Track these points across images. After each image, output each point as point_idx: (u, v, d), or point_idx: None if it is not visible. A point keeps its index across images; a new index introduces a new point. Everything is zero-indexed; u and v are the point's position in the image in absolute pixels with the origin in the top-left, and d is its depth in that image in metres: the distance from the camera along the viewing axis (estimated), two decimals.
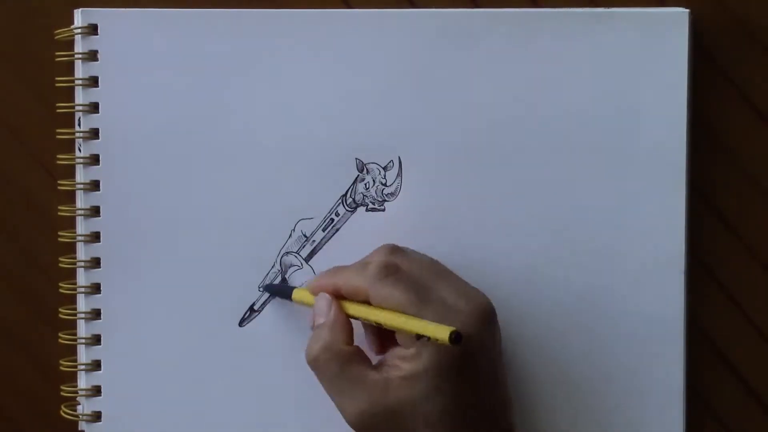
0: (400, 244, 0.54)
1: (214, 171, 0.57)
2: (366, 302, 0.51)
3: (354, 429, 0.50)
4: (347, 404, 0.50)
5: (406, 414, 0.48)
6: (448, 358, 0.48)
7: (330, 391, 0.51)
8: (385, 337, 0.52)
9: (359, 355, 0.51)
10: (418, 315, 0.48)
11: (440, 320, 0.47)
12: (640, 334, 0.57)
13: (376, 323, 0.50)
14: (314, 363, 0.51)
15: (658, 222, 0.56)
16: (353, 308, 0.51)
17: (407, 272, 0.50)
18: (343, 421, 0.55)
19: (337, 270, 0.53)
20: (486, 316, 0.50)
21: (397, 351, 0.50)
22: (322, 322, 0.51)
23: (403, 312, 0.48)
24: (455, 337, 0.44)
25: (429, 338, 0.46)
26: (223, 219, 0.57)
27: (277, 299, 0.57)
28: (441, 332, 0.45)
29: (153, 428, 0.57)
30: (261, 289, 0.57)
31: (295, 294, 0.55)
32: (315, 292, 0.53)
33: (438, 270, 0.52)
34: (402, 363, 0.49)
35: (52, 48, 0.57)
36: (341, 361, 0.50)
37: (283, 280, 0.57)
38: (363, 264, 0.52)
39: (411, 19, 0.57)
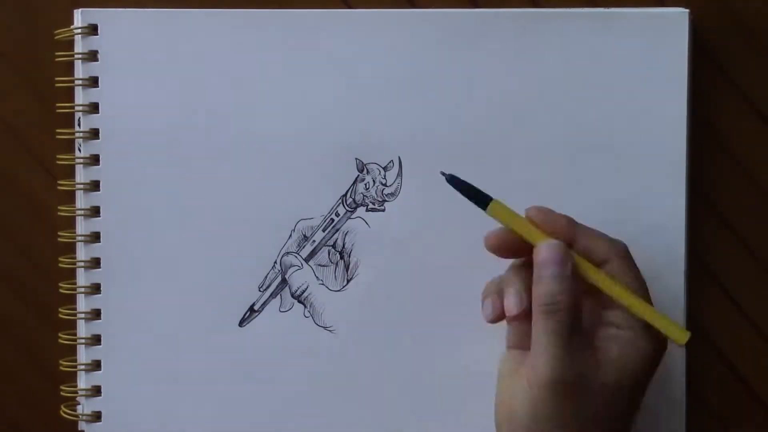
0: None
1: (214, 171, 0.57)
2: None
3: (544, 386, 0.47)
4: (560, 365, 0.47)
5: (600, 394, 0.48)
6: (657, 356, 0.49)
7: (548, 344, 0.48)
8: (589, 306, 0.50)
9: (581, 323, 0.49)
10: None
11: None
12: None
13: (615, 296, 0.49)
14: (554, 304, 0.48)
15: (658, 222, 0.56)
16: (592, 270, 0.50)
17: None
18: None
19: (576, 223, 0.51)
20: None
21: (608, 330, 0.49)
22: (553, 271, 0.49)
23: (641, 294, 0.49)
24: (687, 341, 0.48)
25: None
26: (223, 219, 0.57)
27: (278, 300, 0.57)
28: (680, 335, 0.48)
29: (153, 428, 0.57)
30: (446, 176, 0.51)
31: (495, 208, 0.51)
32: (544, 226, 0.50)
33: None
34: (613, 345, 0.49)
35: (52, 48, 0.57)
36: (578, 318, 0.48)
37: (283, 280, 0.57)
38: (604, 235, 0.51)
39: (411, 19, 0.57)
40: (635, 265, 0.51)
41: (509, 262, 0.53)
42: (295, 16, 0.57)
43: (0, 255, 0.59)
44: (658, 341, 0.49)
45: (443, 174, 0.51)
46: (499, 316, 0.51)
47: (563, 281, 0.48)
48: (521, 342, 0.51)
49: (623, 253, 0.50)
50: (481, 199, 0.51)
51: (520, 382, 0.49)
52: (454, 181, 0.51)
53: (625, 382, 0.48)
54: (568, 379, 0.47)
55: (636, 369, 0.48)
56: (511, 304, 0.50)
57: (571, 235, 0.50)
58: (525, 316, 0.50)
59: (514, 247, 0.51)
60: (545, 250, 0.49)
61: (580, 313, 0.49)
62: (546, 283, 0.49)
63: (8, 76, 0.58)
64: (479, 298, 0.53)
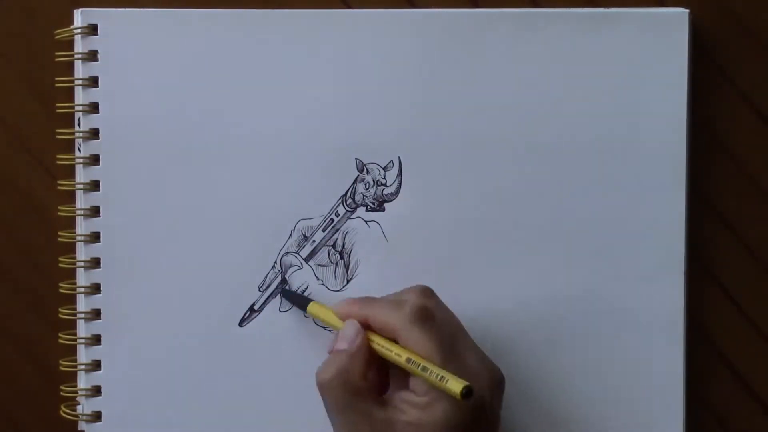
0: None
1: (214, 171, 0.57)
2: (392, 339, 0.51)
3: None
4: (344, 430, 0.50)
5: None
6: (458, 416, 0.48)
7: (333, 418, 0.51)
8: (392, 375, 0.52)
9: (370, 390, 0.50)
10: (442, 366, 0.48)
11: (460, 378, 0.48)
12: (640, 334, 0.57)
13: (396, 363, 0.50)
14: (325, 386, 0.51)
15: (658, 222, 0.56)
16: (379, 343, 0.51)
17: (440, 321, 0.51)
18: None
19: (370, 301, 0.53)
20: (500, 386, 0.51)
21: (406, 395, 0.50)
22: (344, 348, 0.51)
23: (429, 359, 0.49)
24: (466, 392, 0.46)
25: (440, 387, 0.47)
26: (223, 219, 0.57)
27: (277, 300, 0.57)
28: (455, 385, 0.47)
29: (153, 428, 0.57)
30: (278, 292, 0.57)
31: (312, 308, 0.55)
32: (343, 318, 0.53)
33: (462, 329, 0.52)
34: (411, 409, 0.49)
35: (52, 48, 0.57)
36: (352, 392, 0.50)
37: (283, 280, 0.57)
38: (399, 302, 0.51)
39: (411, 19, 0.57)
40: (430, 324, 0.50)
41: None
42: (295, 16, 0.57)
43: (0, 255, 0.59)
44: (452, 403, 0.48)
45: (280, 288, 0.57)
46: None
47: (327, 365, 0.51)
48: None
49: (411, 319, 0.50)
50: (303, 303, 0.56)
51: None
52: (284, 295, 0.57)
53: None
54: None
55: (433, 427, 0.48)
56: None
57: (364, 316, 0.52)
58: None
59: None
60: (341, 332, 0.52)
61: (358, 385, 0.50)
62: (324, 367, 0.51)
63: (8, 76, 0.58)
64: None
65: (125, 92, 0.57)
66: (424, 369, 0.48)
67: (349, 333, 0.52)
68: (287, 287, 0.57)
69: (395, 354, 0.50)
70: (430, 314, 0.50)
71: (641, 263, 0.57)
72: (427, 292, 0.52)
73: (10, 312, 0.59)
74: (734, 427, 0.58)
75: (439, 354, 0.49)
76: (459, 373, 0.48)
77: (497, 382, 0.51)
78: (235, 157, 0.57)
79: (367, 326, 0.52)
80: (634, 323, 0.57)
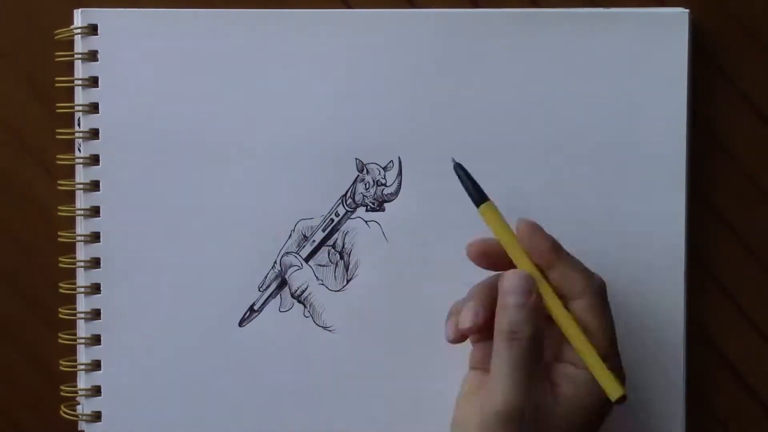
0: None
1: (214, 171, 0.57)
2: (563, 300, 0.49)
3: (496, 413, 0.47)
4: (517, 394, 0.47)
5: (553, 422, 0.48)
6: (606, 406, 0.49)
7: (510, 371, 0.48)
8: (550, 340, 0.50)
9: (541, 356, 0.49)
10: (605, 354, 0.48)
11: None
12: (640, 334, 0.57)
13: (570, 338, 0.49)
14: (517, 333, 0.48)
15: (658, 222, 0.56)
16: (555, 307, 0.49)
17: None
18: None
19: (559, 251, 0.50)
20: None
21: (564, 368, 0.49)
22: (524, 303, 0.48)
23: (597, 339, 0.49)
24: (621, 399, 0.48)
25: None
26: (223, 219, 0.57)
27: (277, 300, 0.57)
28: (614, 390, 0.48)
29: (153, 428, 0.57)
30: (454, 162, 0.51)
31: (486, 210, 0.50)
32: (526, 242, 0.50)
33: None
34: (567, 383, 0.48)
35: (52, 48, 0.57)
36: (539, 348, 0.48)
37: (283, 280, 0.57)
38: (585, 270, 0.50)
39: (411, 19, 0.57)
40: (607, 306, 0.50)
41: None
42: (295, 16, 0.57)
43: (0, 255, 0.59)
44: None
45: (453, 160, 0.51)
46: (458, 337, 0.51)
47: (525, 312, 0.48)
48: (483, 363, 0.51)
49: (598, 291, 0.50)
50: (477, 197, 0.51)
51: (474, 405, 0.49)
52: (460, 169, 0.51)
53: (577, 421, 0.48)
54: (521, 409, 0.47)
55: (588, 410, 0.48)
56: (466, 319, 0.50)
57: (551, 261, 0.50)
58: (486, 336, 0.50)
59: (495, 259, 0.51)
60: (511, 278, 0.49)
61: (541, 344, 0.49)
62: (508, 311, 0.48)
63: (8, 76, 0.58)
64: None
65: (125, 92, 0.57)
66: (596, 360, 0.48)
67: (522, 285, 0.49)
68: (461, 164, 0.51)
69: (572, 329, 0.49)
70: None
71: (641, 263, 0.57)
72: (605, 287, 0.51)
73: (10, 312, 0.59)
74: (734, 427, 0.58)
75: (607, 339, 0.49)
76: (612, 368, 0.48)
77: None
78: (235, 157, 0.57)
79: (541, 271, 0.49)
80: (634, 323, 0.57)
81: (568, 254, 0.50)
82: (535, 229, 0.50)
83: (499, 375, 0.48)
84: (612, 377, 0.48)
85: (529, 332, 0.48)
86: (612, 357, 0.49)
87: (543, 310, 0.49)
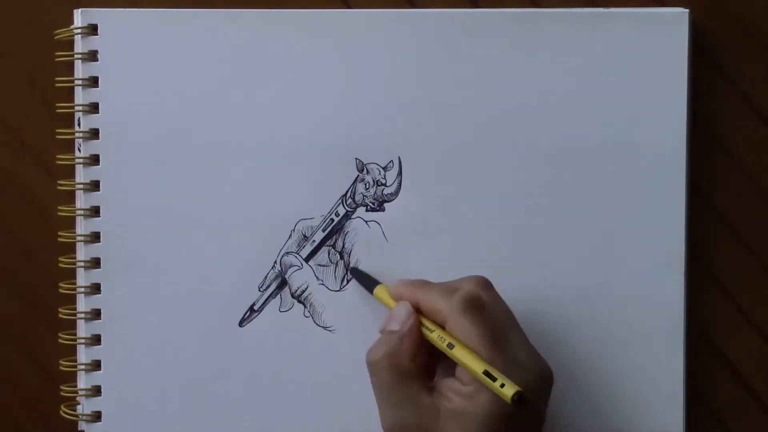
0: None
1: (214, 171, 0.57)
2: (441, 326, 0.51)
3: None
4: (392, 416, 0.50)
5: None
6: (501, 408, 0.48)
7: (379, 398, 0.51)
8: (436, 360, 0.52)
9: (417, 374, 0.50)
10: (489, 359, 0.48)
11: (508, 373, 0.48)
12: (640, 334, 0.57)
13: (444, 351, 0.50)
14: (374, 366, 0.51)
15: (658, 222, 0.56)
16: (430, 328, 0.51)
17: (490, 313, 0.50)
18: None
19: (423, 285, 0.53)
20: (548, 385, 0.51)
21: (452, 383, 0.49)
22: (396, 329, 0.51)
23: (475, 350, 0.49)
24: (518, 399, 0.46)
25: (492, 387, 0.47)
26: (223, 219, 0.57)
27: (277, 300, 0.57)
28: (507, 390, 0.46)
29: (153, 428, 0.57)
30: (348, 273, 0.57)
31: (378, 291, 0.55)
32: (396, 298, 0.53)
33: (514, 324, 0.52)
34: (455, 397, 0.49)
35: (52, 48, 0.57)
36: (401, 374, 0.50)
37: (283, 280, 0.57)
38: (451, 289, 0.51)
39: (411, 19, 0.57)
40: (477, 312, 0.50)
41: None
42: (295, 16, 0.57)
43: (0, 255, 0.59)
44: (496, 395, 0.48)
45: (348, 269, 0.57)
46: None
47: (382, 344, 0.51)
48: None
49: (460, 309, 0.50)
50: (372, 285, 0.55)
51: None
52: (355, 273, 0.57)
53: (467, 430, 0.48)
54: (402, 427, 0.49)
55: (477, 422, 0.48)
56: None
57: (415, 299, 0.52)
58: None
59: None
60: (392, 312, 0.52)
61: (409, 369, 0.50)
62: (374, 347, 0.51)
63: (8, 76, 0.58)
64: None
65: (125, 92, 0.57)
66: (475, 365, 0.48)
67: (400, 314, 0.52)
68: (356, 267, 0.57)
69: (444, 343, 0.50)
70: (481, 304, 0.50)
71: (641, 263, 0.57)
72: (483, 283, 0.52)
73: (10, 312, 0.59)
74: (734, 427, 0.58)
75: (485, 346, 0.48)
76: (506, 367, 0.48)
77: (545, 378, 0.50)
78: (234, 157, 0.57)
79: (418, 310, 0.52)
80: (634, 323, 0.57)
81: (432, 285, 0.53)
82: (402, 280, 0.54)
83: (378, 400, 0.51)
84: (501, 380, 0.47)
85: (385, 361, 0.50)
86: (497, 359, 0.48)
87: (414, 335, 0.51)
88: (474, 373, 0.48)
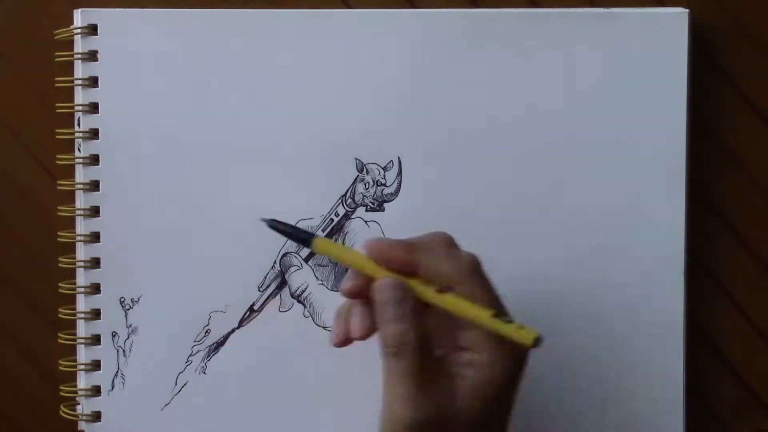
0: None
1: (213, 171, 0.57)
2: (439, 291, 0.47)
3: (405, 428, 0.46)
4: (413, 403, 0.46)
5: (463, 421, 0.46)
6: (517, 370, 0.47)
7: (397, 384, 0.46)
8: (441, 332, 0.48)
9: (431, 355, 0.47)
10: (501, 312, 0.47)
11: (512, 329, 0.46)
12: (640, 334, 0.57)
13: (457, 315, 0.47)
14: (395, 351, 0.46)
15: (658, 222, 0.56)
16: (433, 297, 0.47)
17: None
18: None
19: (416, 246, 0.48)
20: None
21: (460, 357, 0.47)
22: (401, 313, 0.47)
23: (490, 312, 0.46)
24: (537, 341, 0.45)
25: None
26: (223, 219, 0.57)
27: (277, 300, 0.57)
28: (526, 335, 0.45)
29: (153, 428, 0.57)
30: (266, 223, 0.50)
31: (322, 245, 0.50)
32: (379, 261, 0.48)
33: None
34: (469, 371, 0.46)
35: (52, 48, 0.57)
36: (423, 352, 0.46)
37: (283, 280, 0.57)
38: (451, 252, 0.48)
39: (411, 19, 0.57)
40: (485, 278, 0.48)
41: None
42: (295, 16, 0.57)
43: (0, 255, 0.59)
44: (514, 354, 0.47)
45: (263, 220, 0.50)
46: (343, 341, 0.49)
47: (404, 321, 0.47)
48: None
49: (470, 270, 0.47)
50: (304, 237, 0.50)
51: (379, 417, 0.47)
52: (277, 224, 0.50)
53: (488, 404, 0.46)
54: (427, 416, 0.46)
55: (496, 389, 0.46)
56: (356, 326, 0.49)
57: (412, 262, 0.48)
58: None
59: (368, 292, 0.49)
60: (383, 291, 0.47)
61: (429, 345, 0.47)
62: (389, 326, 0.47)
63: (8, 76, 0.58)
64: None
65: (125, 92, 0.57)
66: (492, 321, 0.46)
67: (392, 294, 0.47)
68: (275, 219, 0.50)
69: (453, 306, 0.46)
70: (480, 266, 0.48)
71: (641, 263, 0.57)
72: (453, 240, 0.49)
73: (10, 312, 0.59)
74: (734, 427, 0.58)
75: (495, 306, 0.47)
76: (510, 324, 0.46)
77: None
78: (234, 157, 0.57)
79: (408, 273, 0.48)
80: (634, 323, 0.57)
81: (427, 248, 0.48)
82: (382, 244, 0.49)
83: (394, 389, 0.46)
84: (518, 326, 0.46)
85: (414, 340, 0.46)
86: (507, 315, 0.47)
87: (422, 310, 0.47)
88: (490, 325, 0.46)
